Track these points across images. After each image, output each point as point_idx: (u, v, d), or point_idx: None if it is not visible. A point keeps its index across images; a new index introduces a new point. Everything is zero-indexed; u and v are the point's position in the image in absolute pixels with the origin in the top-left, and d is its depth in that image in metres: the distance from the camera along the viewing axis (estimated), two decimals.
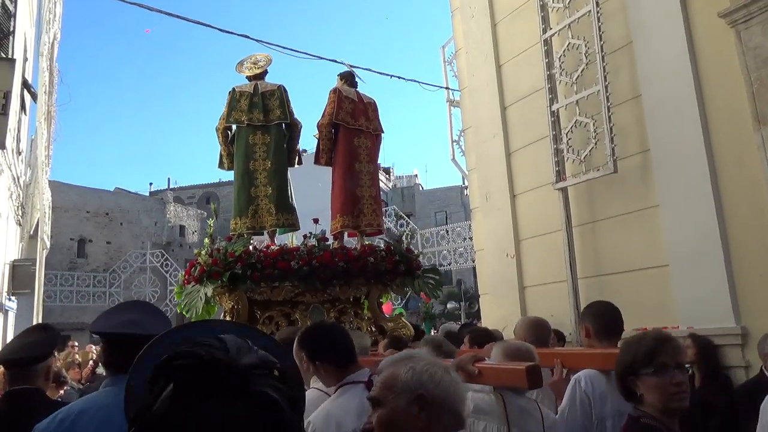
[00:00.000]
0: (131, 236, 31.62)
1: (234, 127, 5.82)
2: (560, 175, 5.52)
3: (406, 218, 23.04)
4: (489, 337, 3.88)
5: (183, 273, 5.67)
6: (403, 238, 6.27)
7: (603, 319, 2.99)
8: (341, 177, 5.77)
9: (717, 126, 4.46)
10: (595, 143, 5.14)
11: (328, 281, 5.17)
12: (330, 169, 5.93)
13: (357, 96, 5.99)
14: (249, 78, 5.93)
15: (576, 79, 5.39)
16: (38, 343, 2.38)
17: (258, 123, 5.67)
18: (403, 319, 5.91)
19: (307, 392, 2.39)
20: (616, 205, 5.17)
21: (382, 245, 5.73)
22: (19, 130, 12.82)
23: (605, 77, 5.05)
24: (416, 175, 44.34)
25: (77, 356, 7.72)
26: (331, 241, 5.56)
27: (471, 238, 19.40)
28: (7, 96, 5.33)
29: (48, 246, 16.10)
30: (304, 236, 5.52)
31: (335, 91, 5.85)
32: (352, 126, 5.82)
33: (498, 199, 6.46)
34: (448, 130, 9.60)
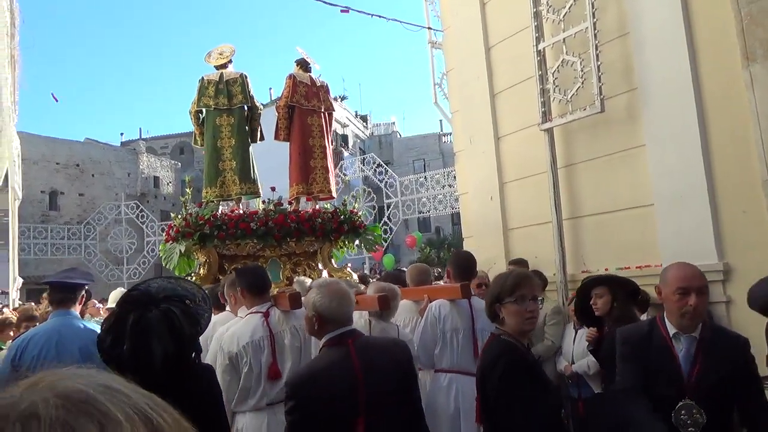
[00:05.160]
0: (104, 188, 30.96)
1: (204, 110, 6.62)
2: (546, 115, 5.45)
3: (385, 166, 22.87)
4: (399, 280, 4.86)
5: (158, 225, 6.63)
6: (353, 200, 7.30)
7: (459, 265, 4.05)
8: (296, 151, 6.71)
9: (705, 63, 4.40)
10: (582, 82, 5.06)
11: (282, 239, 6.08)
12: (287, 144, 6.82)
13: (310, 80, 6.87)
14: (216, 67, 6.71)
15: (563, 17, 5.26)
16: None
17: (223, 107, 6.49)
18: (348, 269, 6.85)
19: (236, 318, 3.67)
20: (602, 145, 5.15)
21: (331, 208, 6.65)
22: None
23: (593, 14, 4.94)
24: (394, 123, 43.64)
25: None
26: (286, 206, 6.40)
27: (450, 185, 19.40)
28: None
29: (20, 196, 15.69)
30: (263, 202, 6.53)
31: (290, 77, 6.71)
32: (306, 107, 6.73)
33: (482, 141, 6.39)
34: (430, 72, 9.39)
